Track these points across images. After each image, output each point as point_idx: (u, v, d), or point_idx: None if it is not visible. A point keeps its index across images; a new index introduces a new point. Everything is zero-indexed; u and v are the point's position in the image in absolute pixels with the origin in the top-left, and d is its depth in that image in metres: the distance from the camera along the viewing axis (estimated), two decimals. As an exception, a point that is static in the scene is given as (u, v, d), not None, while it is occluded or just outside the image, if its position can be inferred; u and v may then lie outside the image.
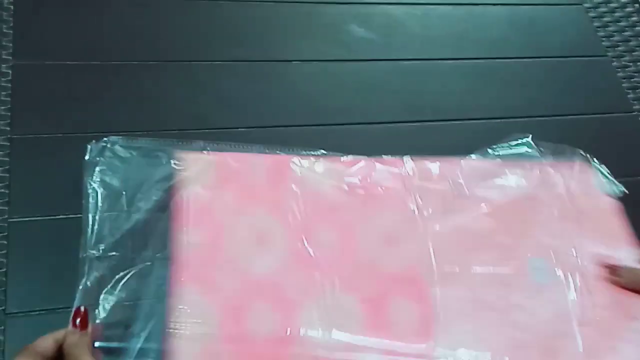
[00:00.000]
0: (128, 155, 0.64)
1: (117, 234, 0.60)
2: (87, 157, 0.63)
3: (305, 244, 0.63)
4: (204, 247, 0.61)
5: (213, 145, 0.67)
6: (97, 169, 0.62)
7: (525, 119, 0.81)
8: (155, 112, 0.72)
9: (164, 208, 0.62)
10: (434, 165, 0.70)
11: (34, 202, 0.64)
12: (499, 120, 0.80)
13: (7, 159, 0.66)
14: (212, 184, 0.64)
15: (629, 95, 0.86)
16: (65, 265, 0.60)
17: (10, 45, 0.73)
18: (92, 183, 0.61)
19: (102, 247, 0.59)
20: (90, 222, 0.59)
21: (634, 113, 0.85)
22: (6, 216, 0.62)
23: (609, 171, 0.73)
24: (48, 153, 0.67)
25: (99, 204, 0.61)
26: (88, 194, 0.61)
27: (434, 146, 0.76)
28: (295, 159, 0.68)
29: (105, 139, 0.64)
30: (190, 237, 0.61)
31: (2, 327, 0.57)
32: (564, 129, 0.81)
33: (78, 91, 0.72)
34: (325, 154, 0.69)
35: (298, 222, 0.64)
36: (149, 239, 0.60)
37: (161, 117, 0.72)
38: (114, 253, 0.58)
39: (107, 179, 0.62)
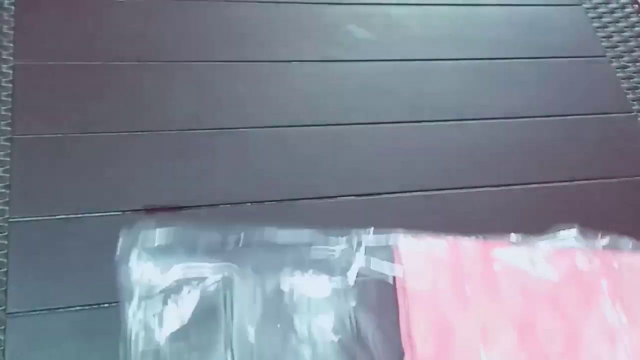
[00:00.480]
0: (167, 245, 0.59)
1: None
2: (119, 248, 0.58)
3: (530, 337, 0.61)
4: (434, 343, 0.59)
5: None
6: (135, 264, 0.57)
7: (525, 119, 0.81)
8: (155, 112, 0.73)
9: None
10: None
11: (35, 202, 0.64)
12: (497, 121, 0.80)
13: (7, 159, 0.66)
14: (428, 274, 0.63)
15: (628, 96, 0.87)
16: (65, 265, 0.61)
17: (11, 45, 0.73)
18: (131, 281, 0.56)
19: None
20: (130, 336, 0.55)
21: (632, 113, 0.85)
22: (7, 216, 0.62)
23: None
24: (48, 153, 0.67)
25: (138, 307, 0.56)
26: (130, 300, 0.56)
27: (434, 146, 0.76)
28: (498, 246, 0.66)
29: (139, 226, 0.59)
30: (420, 330, 0.60)
31: (3, 327, 0.57)
32: (564, 129, 0.82)
33: (78, 91, 0.72)
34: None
35: (516, 314, 0.62)
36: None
37: (161, 117, 0.72)
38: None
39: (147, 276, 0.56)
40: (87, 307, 0.59)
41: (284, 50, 0.81)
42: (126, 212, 0.65)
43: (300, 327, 0.58)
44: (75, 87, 0.72)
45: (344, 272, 0.62)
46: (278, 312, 0.58)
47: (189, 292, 0.58)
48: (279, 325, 0.58)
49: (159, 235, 0.59)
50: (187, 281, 0.58)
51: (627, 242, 0.68)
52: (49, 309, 0.58)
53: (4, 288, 0.59)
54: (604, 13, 0.95)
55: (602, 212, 0.75)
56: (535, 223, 0.73)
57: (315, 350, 0.57)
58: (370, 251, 0.63)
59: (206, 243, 0.60)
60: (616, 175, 0.79)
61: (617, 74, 0.88)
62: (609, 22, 0.94)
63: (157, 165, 0.69)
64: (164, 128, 0.71)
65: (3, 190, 0.64)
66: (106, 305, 0.59)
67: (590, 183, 0.77)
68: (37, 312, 0.58)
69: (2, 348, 0.56)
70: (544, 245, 0.67)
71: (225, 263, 0.60)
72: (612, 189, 0.77)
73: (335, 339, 0.58)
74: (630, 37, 0.93)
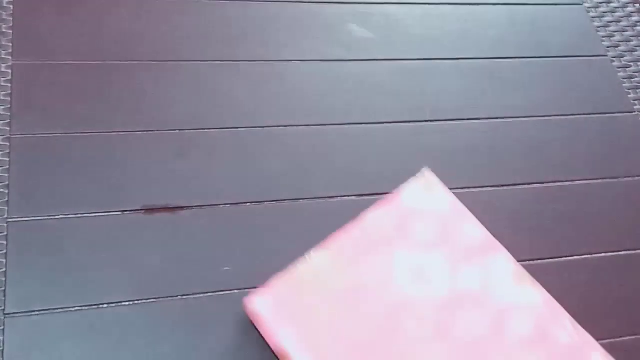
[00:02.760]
0: None
1: None
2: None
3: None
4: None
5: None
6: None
7: (525, 119, 0.81)
8: (155, 112, 0.72)
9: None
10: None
11: (34, 202, 0.64)
12: (498, 120, 0.80)
13: (6, 158, 0.66)
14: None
15: (629, 95, 0.86)
16: (64, 266, 0.61)
17: (10, 45, 0.73)
18: None
19: None
20: None
21: (634, 113, 0.85)
22: (6, 216, 0.62)
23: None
24: (47, 153, 0.67)
25: None
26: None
27: (434, 146, 0.76)
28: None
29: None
30: None
31: (2, 327, 0.57)
32: (565, 129, 0.81)
33: (77, 91, 0.72)
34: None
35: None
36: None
37: (161, 117, 0.72)
38: None
39: None
40: (85, 308, 0.59)
41: (284, 50, 0.81)
42: (125, 212, 0.65)
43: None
44: (74, 86, 0.72)
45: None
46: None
47: None
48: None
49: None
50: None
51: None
52: (48, 310, 0.58)
53: (2, 288, 0.59)
54: (605, 12, 0.95)
55: (604, 212, 0.75)
56: (535, 223, 0.73)
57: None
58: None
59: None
60: (618, 175, 0.79)
61: (619, 74, 0.88)
62: (610, 22, 0.94)
63: (157, 165, 0.69)
64: (164, 128, 0.71)
65: (2, 190, 0.64)
66: (105, 305, 0.59)
67: (591, 183, 0.77)
68: (36, 313, 0.58)
69: (1, 349, 0.56)
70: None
71: None
72: (613, 189, 0.77)
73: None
74: (632, 36, 0.93)
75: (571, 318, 0.63)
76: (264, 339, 0.60)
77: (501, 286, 0.64)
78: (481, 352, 0.60)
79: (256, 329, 0.60)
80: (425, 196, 0.68)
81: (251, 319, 0.60)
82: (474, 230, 0.67)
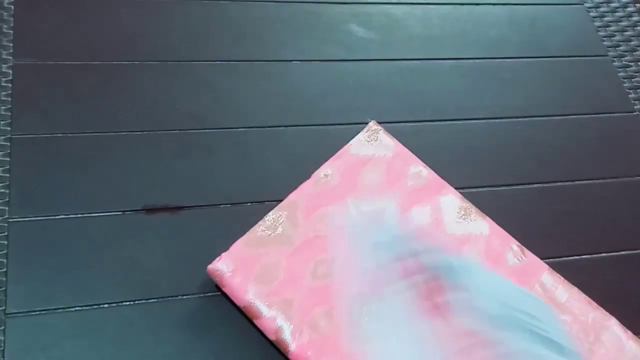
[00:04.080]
0: None
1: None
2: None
3: None
4: None
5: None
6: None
7: (525, 119, 0.81)
8: (155, 112, 0.72)
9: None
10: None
11: (34, 202, 0.64)
12: (499, 120, 0.80)
13: (7, 158, 0.66)
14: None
15: (629, 95, 0.86)
16: (65, 266, 0.61)
17: (11, 45, 0.73)
18: None
19: None
20: None
21: (634, 113, 0.85)
22: (6, 216, 0.62)
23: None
24: (48, 153, 0.67)
25: None
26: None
27: (434, 146, 0.76)
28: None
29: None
30: None
31: (2, 327, 0.57)
32: (564, 129, 0.81)
33: (78, 91, 0.72)
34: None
35: None
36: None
37: (161, 117, 0.72)
38: None
39: None
40: (86, 308, 0.59)
41: (283, 50, 0.81)
42: (126, 212, 0.65)
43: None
44: (75, 86, 0.72)
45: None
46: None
47: None
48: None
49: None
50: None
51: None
52: (49, 310, 0.58)
53: (3, 288, 0.59)
54: (606, 12, 0.95)
55: (603, 212, 0.75)
56: (535, 223, 0.73)
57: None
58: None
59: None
60: (618, 175, 0.79)
61: (619, 74, 0.88)
62: (611, 22, 0.94)
63: (157, 165, 0.69)
64: (164, 128, 0.71)
65: (3, 190, 0.64)
66: (106, 305, 0.60)
67: (591, 183, 0.77)
68: (37, 313, 0.58)
69: (2, 348, 0.56)
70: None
71: None
72: (613, 189, 0.77)
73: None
74: (632, 36, 0.93)
75: (518, 242, 0.67)
76: (230, 300, 0.61)
77: (450, 221, 0.67)
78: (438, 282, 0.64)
79: (221, 291, 0.62)
80: (371, 145, 0.71)
81: (216, 282, 0.61)
82: (419, 171, 0.70)
